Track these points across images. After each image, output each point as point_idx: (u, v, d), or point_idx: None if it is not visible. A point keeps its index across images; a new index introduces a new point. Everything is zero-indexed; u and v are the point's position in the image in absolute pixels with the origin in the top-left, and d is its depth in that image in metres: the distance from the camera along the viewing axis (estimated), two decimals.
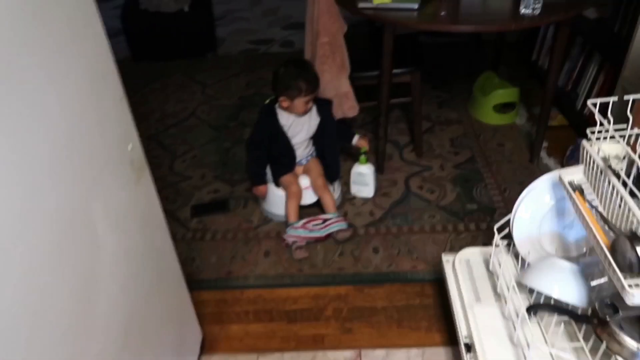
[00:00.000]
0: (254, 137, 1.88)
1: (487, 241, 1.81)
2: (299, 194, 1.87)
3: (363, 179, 2.00)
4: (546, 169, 2.12)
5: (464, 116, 2.51)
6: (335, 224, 1.84)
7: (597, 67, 2.19)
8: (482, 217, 1.92)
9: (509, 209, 1.97)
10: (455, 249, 1.80)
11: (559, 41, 1.81)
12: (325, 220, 1.85)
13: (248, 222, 1.98)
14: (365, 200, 2.04)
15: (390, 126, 2.44)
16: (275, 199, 1.93)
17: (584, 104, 2.27)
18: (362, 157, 1.98)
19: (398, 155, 2.28)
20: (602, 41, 2.16)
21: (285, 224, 1.88)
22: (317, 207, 1.97)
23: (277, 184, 1.91)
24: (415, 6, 1.72)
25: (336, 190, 2.00)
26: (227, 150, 2.39)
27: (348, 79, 1.97)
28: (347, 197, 2.07)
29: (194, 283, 1.73)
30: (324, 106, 1.91)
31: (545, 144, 2.20)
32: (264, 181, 1.90)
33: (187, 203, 2.09)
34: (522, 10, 1.64)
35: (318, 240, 1.84)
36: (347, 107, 2.02)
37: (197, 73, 3.07)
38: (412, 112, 2.18)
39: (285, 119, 1.84)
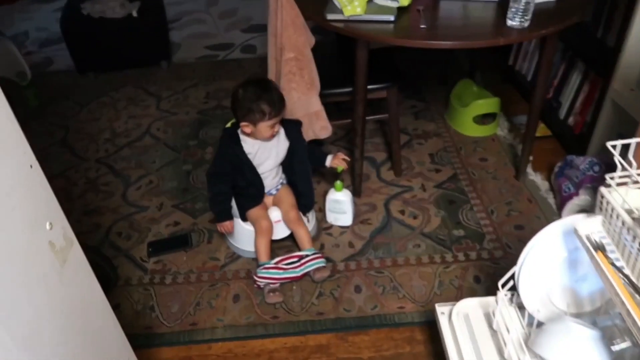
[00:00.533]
0: (215, 169, 1.66)
1: (479, 273, 1.67)
2: (270, 229, 1.67)
3: (340, 206, 1.82)
4: (533, 186, 1.99)
5: (442, 127, 2.35)
6: (311, 262, 1.65)
7: (581, 76, 2.07)
8: (470, 245, 1.77)
9: (498, 234, 1.84)
10: (444, 283, 1.65)
11: (547, 53, 1.67)
12: (300, 258, 1.66)
13: (214, 260, 1.77)
14: (344, 229, 1.86)
15: (364, 141, 2.26)
16: (244, 234, 1.72)
17: (568, 113, 2.15)
18: (338, 184, 1.79)
19: (375, 174, 2.11)
20: (585, 48, 2.03)
21: (256, 262, 1.68)
22: (291, 240, 1.77)
23: (244, 219, 1.70)
24: (392, 18, 1.54)
25: (311, 220, 1.81)
26: (187, 173, 2.16)
27: (318, 97, 1.77)
28: (323, 225, 1.88)
29: (154, 338, 1.52)
30: (293, 128, 1.71)
31: (530, 157, 2.07)
32: (229, 216, 1.69)
33: (144, 239, 1.85)
34: (509, 22, 1.48)
35: (293, 279, 1.65)
36: (318, 127, 1.83)
37: (150, 84, 2.80)
38: (389, 128, 2.00)
39: (250, 145, 1.63)
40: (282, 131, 1.68)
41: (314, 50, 1.74)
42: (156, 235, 1.87)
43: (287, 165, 1.75)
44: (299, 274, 1.63)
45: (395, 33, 1.50)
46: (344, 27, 1.54)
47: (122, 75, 2.88)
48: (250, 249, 1.72)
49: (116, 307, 1.61)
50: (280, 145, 1.69)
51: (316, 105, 1.78)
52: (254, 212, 1.68)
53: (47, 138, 2.42)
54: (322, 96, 1.80)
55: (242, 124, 1.58)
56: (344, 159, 1.76)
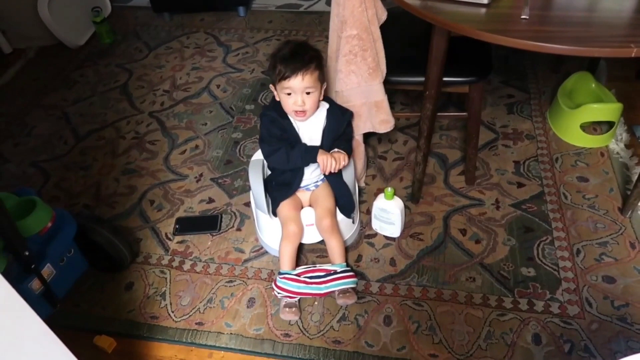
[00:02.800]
0: (265, 134, 1.43)
1: (541, 332, 1.35)
2: (298, 236, 1.45)
3: (387, 216, 1.55)
4: None
5: (539, 129, 1.93)
6: (340, 281, 1.42)
7: None
8: (539, 291, 1.43)
9: (578, 284, 1.47)
10: (494, 335, 1.35)
11: None
12: (328, 273, 1.43)
13: (238, 252, 1.60)
14: (389, 241, 1.60)
15: (438, 133, 1.93)
16: (272, 230, 1.53)
17: None
18: (388, 191, 1.51)
19: (442, 177, 1.78)
20: None
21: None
22: (324, 244, 1.55)
23: (275, 214, 1.50)
24: (486, 0, 1.17)
25: (355, 222, 1.56)
26: (235, 143, 1.98)
27: (382, 85, 1.47)
28: (366, 231, 1.63)
29: (157, 331, 1.42)
30: (334, 111, 1.44)
31: None
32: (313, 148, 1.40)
33: (174, 214, 1.73)
34: None
35: (315, 296, 1.45)
36: (378, 120, 1.53)
37: (222, 33, 2.61)
38: (466, 127, 1.64)
39: (293, 121, 1.41)
40: (323, 112, 1.42)
41: (385, 24, 1.42)
42: (187, 211, 1.73)
43: None
44: (322, 292, 1.42)
45: (485, 23, 1.14)
46: (420, 7, 1.19)
47: (196, 19, 2.72)
48: (275, 246, 1.53)
49: (129, 287, 1.52)
50: (320, 127, 1.44)
51: (378, 94, 1.48)
52: (284, 210, 1.46)
53: (109, 81, 2.35)
54: (388, 82, 1.49)
55: (271, 86, 1.40)
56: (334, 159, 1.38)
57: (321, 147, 1.44)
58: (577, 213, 1.63)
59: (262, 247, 1.61)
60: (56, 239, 1.34)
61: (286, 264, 1.44)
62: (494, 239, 1.57)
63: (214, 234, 1.65)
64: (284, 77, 1.31)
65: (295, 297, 1.42)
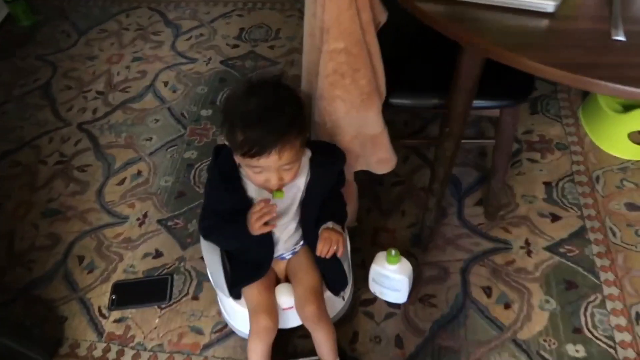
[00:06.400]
0: (207, 208, 1.05)
1: None
2: (272, 330, 1.05)
3: (391, 283, 1.17)
4: None
5: (573, 134, 1.53)
6: None
7: None
8: None
9: None
10: None
11: None
12: None
13: (195, 333, 1.21)
14: (392, 309, 1.22)
15: (447, 185, 1.51)
16: (236, 312, 1.14)
17: None
18: (392, 254, 1.12)
19: (455, 209, 1.39)
20: None
21: None
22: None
23: (237, 296, 1.10)
24: (551, 7, 0.73)
25: (345, 298, 1.18)
26: (189, 166, 1.55)
27: (380, 113, 1.04)
28: (362, 296, 1.25)
29: None
30: (321, 160, 1.01)
31: None
32: (247, 234, 0.96)
33: (110, 276, 1.32)
34: None
35: None
36: (375, 159, 1.12)
37: (170, 8, 2.09)
38: (493, 155, 1.24)
39: (252, 187, 0.98)
40: (304, 163, 1.00)
41: (383, 28, 0.98)
42: (127, 271, 1.32)
43: (304, 214, 1.07)
44: None
45: (555, 49, 0.70)
46: (442, 18, 0.75)
47: None
48: (245, 329, 1.14)
49: None
50: (299, 185, 1.02)
51: (375, 125, 1.06)
52: (252, 293, 1.06)
53: (28, 80, 1.85)
54: (388, 106, 1.06)
55: (227, 143, 0.94)
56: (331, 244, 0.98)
57: (305, 210, 1.03)
58: (630, 257, 1.27)
59: (226, 325, 1.22)
60: None
61: None
62: (528, 302, 1.21)
63: (163, 305, 1.26)
64: (251, 155, 0.87)
65: None
